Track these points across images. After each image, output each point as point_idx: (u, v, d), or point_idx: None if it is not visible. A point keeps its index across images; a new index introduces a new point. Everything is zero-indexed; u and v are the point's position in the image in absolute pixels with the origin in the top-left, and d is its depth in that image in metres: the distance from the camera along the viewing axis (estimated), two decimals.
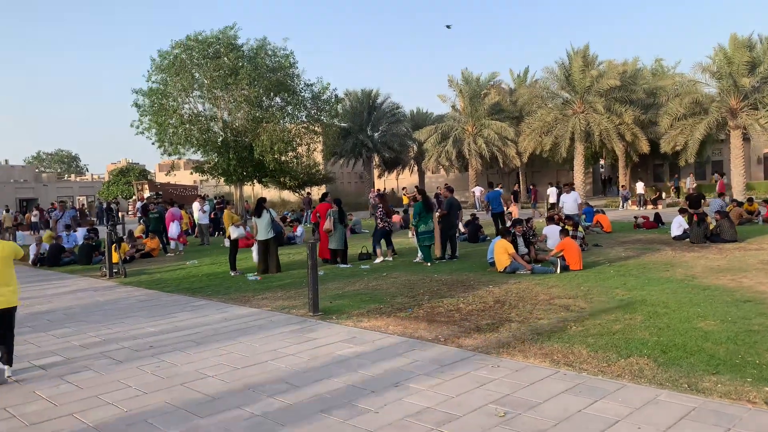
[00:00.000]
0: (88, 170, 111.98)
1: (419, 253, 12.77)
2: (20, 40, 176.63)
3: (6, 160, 73.99)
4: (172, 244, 17.67)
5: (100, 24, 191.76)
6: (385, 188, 50.15)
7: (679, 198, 29.69)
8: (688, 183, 32.26)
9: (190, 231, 22.86)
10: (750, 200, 20.25)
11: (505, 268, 10.74)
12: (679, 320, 6.69)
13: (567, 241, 11.06)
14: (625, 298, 8.13)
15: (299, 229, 20.00)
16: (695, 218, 14.82)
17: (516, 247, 11.27)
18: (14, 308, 5.64)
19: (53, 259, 15.20)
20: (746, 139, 30.20)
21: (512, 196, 25.91)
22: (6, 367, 5.54)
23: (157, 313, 8.53)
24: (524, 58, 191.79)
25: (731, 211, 17.27)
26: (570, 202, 15.81)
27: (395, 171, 50.11)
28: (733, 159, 30.09)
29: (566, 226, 14.50)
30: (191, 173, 39.92)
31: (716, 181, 29.76)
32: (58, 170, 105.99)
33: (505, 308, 7.84)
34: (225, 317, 8.08)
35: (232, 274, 12.33)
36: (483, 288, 9.37)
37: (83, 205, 48.18)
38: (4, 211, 28.95)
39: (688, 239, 14.42)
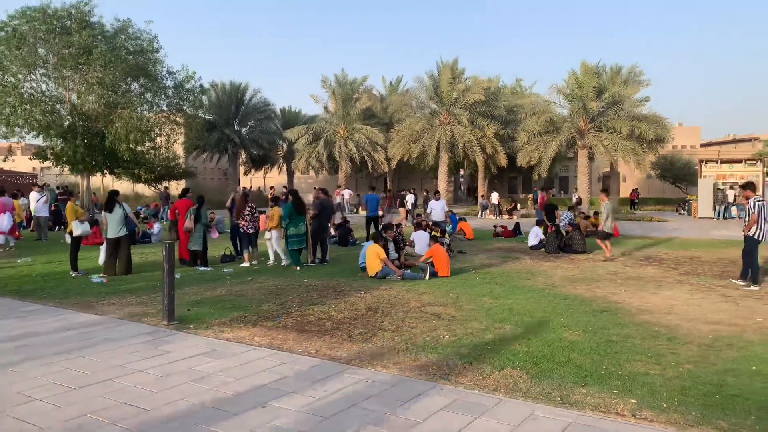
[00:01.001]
0: None
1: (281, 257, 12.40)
2: None
3: None
4: (1, 238, 15.46)
5: None
6: (251, 186, 48.53)
7: (534, 209, 31.73)
8: (535, 195, 34.54)
9: (24, 224, 20.28)
10: (596, 214, 22.12)
11: (377, 273, 10.57)
12: (545, 330, 6.86)
13: (436, 248, 11.16)
14: (493, 306, 8.26)
15: (156, 226, 18.49)
16: (550, 230, 15.78)
17: (387, 252, 11.16)
18: None
19: None
20: (591, 158, 33.10)
21: (397, 200, 25.95)
22: None
23: None
24: (398, 67, 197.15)
25: (579, 223, 18.68)
26: (438, 210, 16.14)
27: (263, 169, 48.69)
28: (580, 176, 32.89)
29: (434, 233, 14.79)
30: (30, 159, 35.69)
31: (535, 197, 32.24)
32: None
33: (377, 316, 7.61)
34: (63, 326, 7.02)
35: (73, 274, 10.94)
36: (355, 294, 9.10)
37: None
38: None
39: (543, 249, 15.30)
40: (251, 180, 53.73)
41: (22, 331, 6.73)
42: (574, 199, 31.89)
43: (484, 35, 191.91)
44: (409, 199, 28.46)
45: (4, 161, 38.10)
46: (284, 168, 49.27)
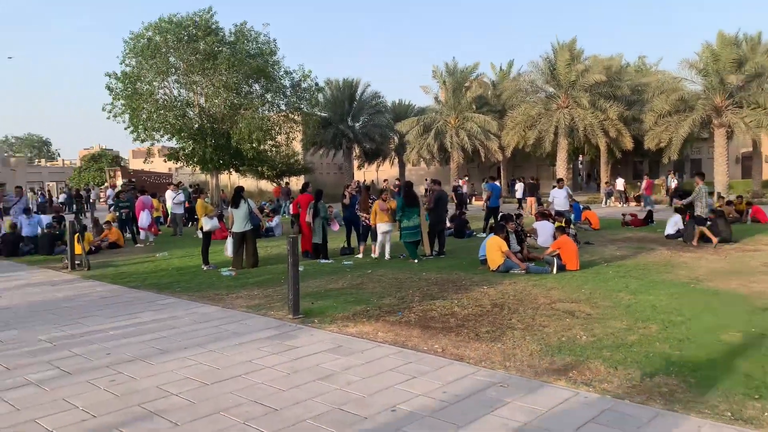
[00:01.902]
0: (59, 155, 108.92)
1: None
2: None
3: None
4: (142, 234, 16.72)
5: (73, 5, 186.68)
6: (365, 180, 49.34)
7: (667, 196, 29.19)
8: (669, 181, 31.95)
9: (162, 220, 21.87)
10: (740, 198, 19.95)
11: (499, 266, 10.08)
12: (698, 331, 6.08)
13: (563, 239, 10.45)
14: (632, 303, 7.52)
15: (275, 220, 19.09)
16: (687, 218, 14.36)
17: (508, 244, 10.63)
18: None
19: (10, 248, 14.12)
20: (729, 137, 30.02)
21: (528, 188, 24.68)
22: None
23: (119, 313, 7.68)
24: (509, 52, 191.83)
25: (722, 209, 16.88)
26: (561, 198, 15.24)
27: (375, 162, 49.29)
28: (717, 158, 29.93)
29: (558, 223, 13.96)
30: (165, 161, 38.60)
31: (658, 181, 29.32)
32: (29, 155, 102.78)
33: (504, 313, 7.18)
34: (194, 319, 7.28)
35: (205, 268, 11.48)
36: (477, 289, 8.70)
37: (49, 191, 46.43)
38: None
39: (680, 238, 13.95)
40: (364, 173, 54.61)
41: (159, 324, 7.05)
42: (670, 185, 28.83)
43: (602, 12, 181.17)
44: (518, 188, 27.29)
45: (144, 162, 41.39)
46: (396, 160, 49.55)
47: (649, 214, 18.75)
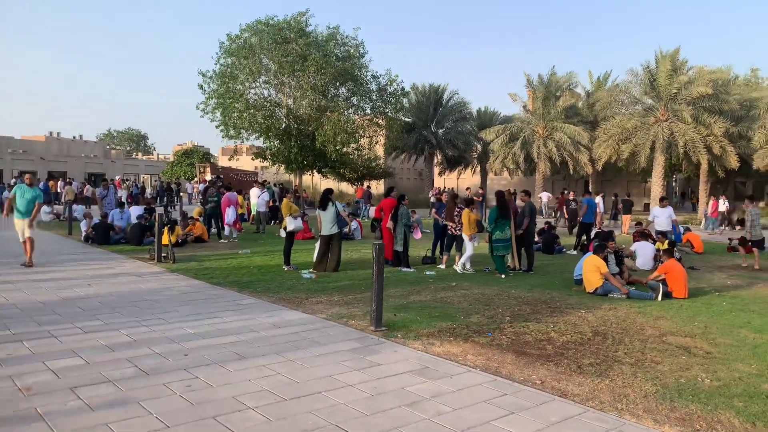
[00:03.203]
0: (155, 149, 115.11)
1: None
2: (99, 21, 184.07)
3: (80, 135, 76.68)
4: (227, 230, 16.97)
5: (175, 6, 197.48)
6: (445, 187, 48.65)
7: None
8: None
9: (246, 217, 22.23)
10: None
11: (596, 289, 9.26)
12: None
13: (671, 263, 9.46)
14: (760, 343, 6.57)
15: (353, 224, 18.84)
16: None
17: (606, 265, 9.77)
18: None
19: (102, 236, 14.64)
20: None
21: (623, 205, 22.86)
22: None
23: (200, 311, 7.55)
24: (605, 61, 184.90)
25: None
26: (663, 218, 14.05)
27: (457, 170, 48.48)
28: None
29: (658, 245, 12.88)
30: (252, 159, 39.61)
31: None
32: (127, 148, 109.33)
33: (608, 343, 6.44)
34: (273, 323, 7.02)
35: (286, 268, 11.34)
36: (573, 312, 7.96)
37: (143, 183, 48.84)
38: (66, 184, 29.23)
39: None
40: (444, 180, 53.93)
41: (238, 325, 6.83)
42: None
43: (710, 22, 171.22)
44: (598, 203, 25.39)
45: (230, 160, 42.57)
46: (478, 169, 48.55)
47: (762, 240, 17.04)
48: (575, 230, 16.71)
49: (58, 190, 31.61)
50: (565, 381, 5.16)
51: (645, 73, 32.70)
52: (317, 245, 11.69)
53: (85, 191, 28.53)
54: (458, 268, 11.49)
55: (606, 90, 38.66)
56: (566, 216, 21.29)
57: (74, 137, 74.19)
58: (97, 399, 4.36)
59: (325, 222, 11.25)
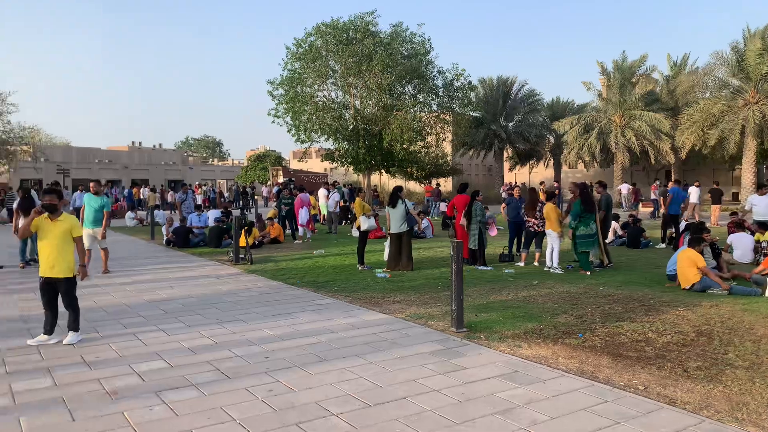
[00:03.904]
0: (229, 155, 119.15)
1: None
2: (173, 38, 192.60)
3: (160, 144, 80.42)
4: (301, 230, 17.10)
5: (246, 17, 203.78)
6: (516, 182, 47.52)
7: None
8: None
9: (318, 218, 22.42)
10: None
11: (693, 285, 8.57)
12: None
13: None
14: None
15: (424, 222, 18.51)
16: None
17: None
18: (67, 279, 6.03)
19: (182, 240, 15.08)
20: None
21: (712, 195, 21.07)
22: (46, 336, 6.00)
23: (278, 311, 7.52)
24: (683, 44, 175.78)
25: None
26: (763, 206, 12.93)
27: (528, 164, 47.18)
28: None
29: (758, 236, 11.88)
30: (321, 161, 40.10)
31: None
32: (204, 155, 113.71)
33: (715, 344, 5.87)
34: (352, 323, 6.87)
35: (360, 268, 11.22)
36: (670, 311, 7.37)
37: (220, 188, 50.53)
38: (149, 190, 30.56)
39: None
40: (515, 176, 52.72)
41: (316, 326, 6.73)
42: None
43: None
44: (692, 192, 23.39)
45: (300, 162, 43.20)
46: (550, 162, 47.08)
47: None
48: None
49: (141, 197, 33.12)
50: (671, 387, 4.70)
51: (732, 53, 30.57)
52: (386, 244, 11.52)
53: (168, 197, 29.74)
54: (553, 264, 10.84)
55: (687, 74, 36.52)
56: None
57: (154, 146, 77.88)
58: (181, 404, 4.31)
59: (395, 220, 11.05)
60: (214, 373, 5.03)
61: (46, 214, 5.98)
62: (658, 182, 30.98)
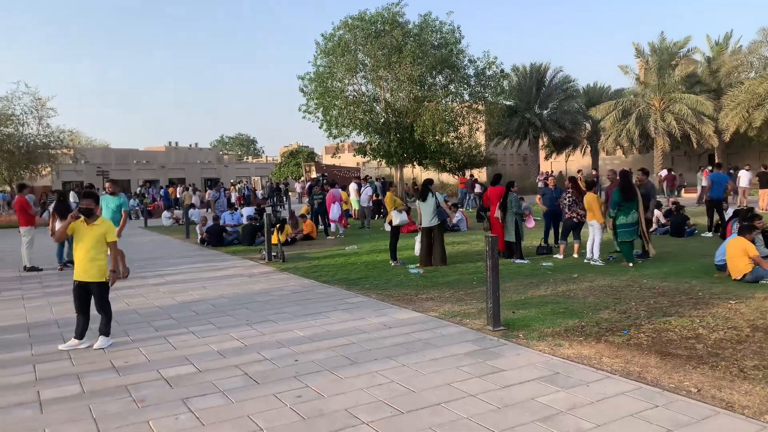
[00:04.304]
0: (263, 152, 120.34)
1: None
2: (205, 40, 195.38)
3: (196, 143, 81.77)
4: (333, 226, 17.00)
5: (276, 13, 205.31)
6: (552, 171, 46.58)
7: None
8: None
9: (350, 213, 22.30)
10: None
11: (745, 275, 8.09)
12: None
13: None
14: None
15: (457, 215, 18.10)
16: None
17: None
18: (99, 283, 5.96)
19: (215, 239, 15.13)
20: None
21: (760, 178, 19.96)
22: (76, 340, 5.99)
23: (309, 311, 7.37)
24: (716, 26, 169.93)
25: None
26: None
27: (565, 152, 46.15)
28: None
29: None
30: (353, 155, 39.98)
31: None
32: (238, 152, 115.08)
33: None
34: (384, 322, 6.67)
35: (393, 264, 11.02)
36: (721, 303, 6.94)
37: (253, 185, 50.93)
38: (184, 190, 30.96)
39: None
40: (551, 164, 51.65)
41: (348, 326, 6.55)
42: None
43: None
44: (743, 176, 22.15)
45: (333, 157, 43.28)
46: (587, 149, 45.97)
47: None
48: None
49: (177, 196, 33.60)
50: (727, 389, 4.35)
51: None
52: (417, 239, 11.28)
53: (206, 197, 30.06)
54: (593, 256, 10.43)
55: (730, 54, 35.09)
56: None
57: (190, 146, 79.20)
58: (207, 412, 4.18)
59: (426, 213, 10.80)
60: (243, 378, 4.90)
61: (82, 218, 5.95)
62: (710, 168, 29.88)
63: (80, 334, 5.98)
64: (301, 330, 6.44)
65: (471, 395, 4.37)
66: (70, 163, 41.85)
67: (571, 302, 7.34)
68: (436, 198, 11.03)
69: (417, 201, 11.13)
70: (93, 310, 6.04)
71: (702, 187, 25.90)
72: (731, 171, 23.59)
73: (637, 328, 6.06)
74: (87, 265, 5.90)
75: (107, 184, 11.20)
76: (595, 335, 5.84)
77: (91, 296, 6.02)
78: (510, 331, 6.10)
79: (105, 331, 6.03)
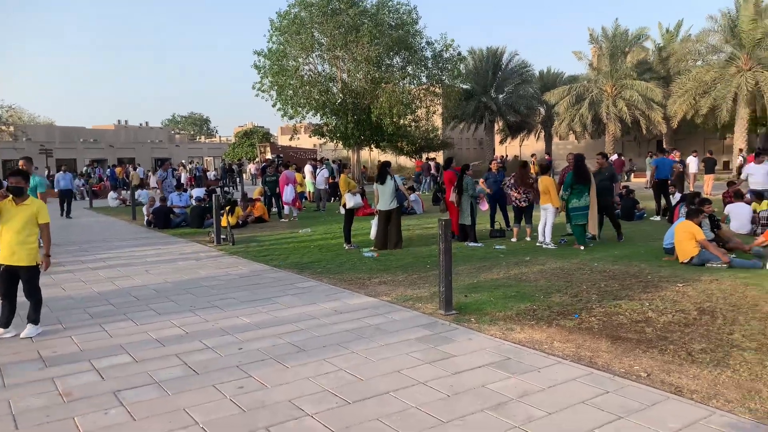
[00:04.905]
0: (217, 132, 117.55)
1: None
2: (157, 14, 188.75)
3: (146, 122, 79.15)
4: (286, 209, 16.64)
5: None
6: (506, 155, 47.05)
7: None
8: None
9: (305, 196, 21.93)
10: None
11: (692, 259, 8.23)
12: None
13: None
14: None
15: (413, 196, 17.90)
16: None
17: None
18: (29, 267, 5.61)
19: (162, 220, 14.57)
20: None
21: (706, 164, 20.59)
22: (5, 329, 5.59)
23: (257, 296, 7.11)
24: (669, 14, 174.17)
25: None
26: (759, 175, 12.57)
27: (519, 137, 46.63)
28: None
29: (757, 205, 11.57)
30: (310, 137, 39.40)
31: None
32: (191, 132, 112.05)
33: (718, 323, 5.53)
34: (335, 308, 6.47)
35: (347, 247, 10.81)
36: (669, 287, 7.02)
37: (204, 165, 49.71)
38: (132, 169, 29.89)
39: None
40: (506, 149, 52.16)
41: (297, 311, 6.33)
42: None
43: None
44: (691, 162, 22.73)
45: (291, 140, 42.51)
46: (541, 134, 46.57)
47: None
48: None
49: (124, 176, 32.42)
50: (676, 373, 4.34)
51: (724, 18, 30.03)
52: (373, 222, 11.10)
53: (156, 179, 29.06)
54: (545, 239, 10.43)
55: (679, 42, 35.96)
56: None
57: (141, 125, 76.61)
58: (139, 406, 3.90)
59: (384, 196, 10.61)
60: (182, 368, 4.63)
61: (10, 197, 5.51)
62: (650, 153, 30.65)
63: (5, 323, 5.57)
64: (248, 316, 6.18)
65: (421, 383, 4.23)
66: (9, 140, 39.82)
67: (523, 285, 7.30)
68: (395, 181, 10.84)
69: (375, 184, 10.91)
70: (21, 297, 5.64)
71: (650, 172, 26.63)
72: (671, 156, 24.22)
73: (588, 311, 6.04)
74: (15, 248, 5.48)
75: (20, 162, 10.14)
76: (547, 319, 5.80)
77: (18, 281, 5.61)
78: (462, 315, 6.00)
79: (34, 318, 5.64)
